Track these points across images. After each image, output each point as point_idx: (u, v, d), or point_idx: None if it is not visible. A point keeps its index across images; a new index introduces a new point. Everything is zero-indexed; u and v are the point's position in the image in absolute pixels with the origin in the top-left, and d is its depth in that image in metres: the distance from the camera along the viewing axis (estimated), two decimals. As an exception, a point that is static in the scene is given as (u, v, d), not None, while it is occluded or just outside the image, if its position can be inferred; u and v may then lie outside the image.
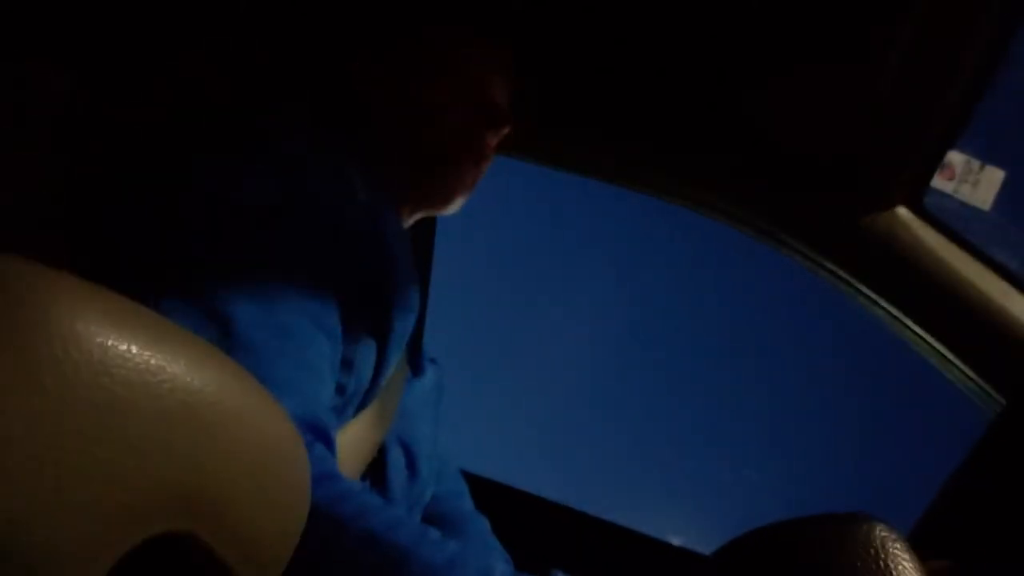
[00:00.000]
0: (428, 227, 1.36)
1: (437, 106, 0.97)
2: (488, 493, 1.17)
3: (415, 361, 1.07)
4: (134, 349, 0.32)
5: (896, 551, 0.55)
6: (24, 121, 0.82)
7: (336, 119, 0.97)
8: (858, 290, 1.18)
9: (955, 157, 1.10)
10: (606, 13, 1.10)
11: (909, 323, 1.15)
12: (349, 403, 0.85)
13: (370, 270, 0.84)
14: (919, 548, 0.55)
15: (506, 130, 0.99)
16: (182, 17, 0.97)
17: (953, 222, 1.13)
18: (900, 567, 0.52)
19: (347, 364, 0.82)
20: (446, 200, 1.00)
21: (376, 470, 0.93)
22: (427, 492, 1.01)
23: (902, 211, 1.13)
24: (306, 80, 1.02)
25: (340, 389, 0.82)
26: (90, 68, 0.89)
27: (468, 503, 1.10)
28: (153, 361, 0.32)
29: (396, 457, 0.95)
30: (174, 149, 0.86)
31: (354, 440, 0.87)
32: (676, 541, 1.35)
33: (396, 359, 0.91)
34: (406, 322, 0.90)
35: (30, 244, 0.76)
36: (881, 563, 0.56)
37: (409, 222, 1.02)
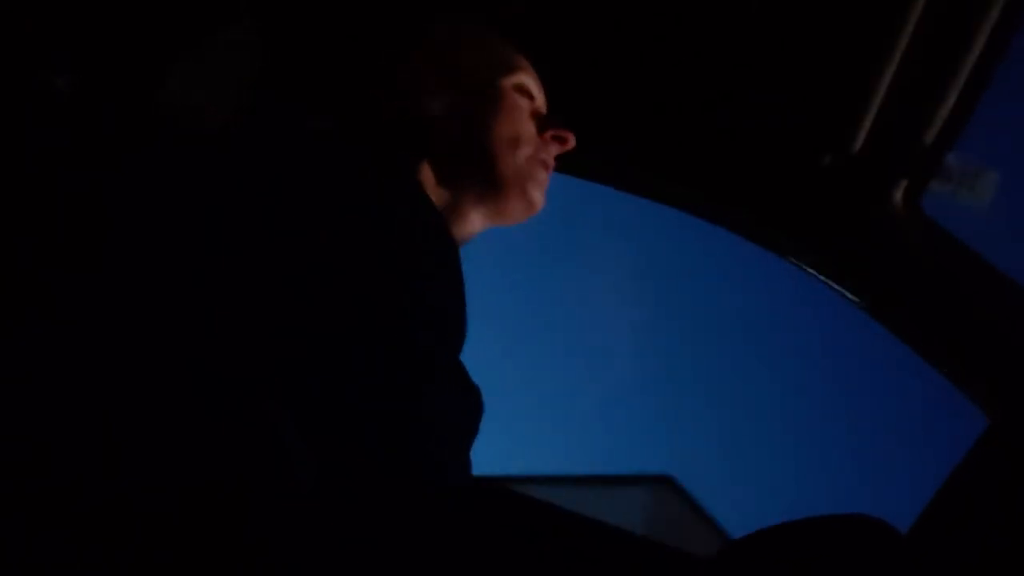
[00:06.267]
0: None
1: (506, 125, 0.95)
2: (485, 495, 1.16)
3: (459, 385, 1.05)
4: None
5: (895, 552, 0.55)
6: (24, 121, 0.82)
7: (387, 132, 0.95)
8: (858, 292, 1.18)
9: (952, 159, 1.10)
10: (607, 15, 1.11)
11: (908, 325, 1.14)
12: (387, 421, 0.84)
13: (421, 287, 0.83)
14: (917, 548, 0.55)
15: (572, 144, 0.97)
16: (194, 17, 0.96)
17: (951, 224, 1.13)
18: (899, 567, 0.53)
19: (383, 382, 0.81)
20: (516, 219, 0.99)
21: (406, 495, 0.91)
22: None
23: (900, 213, 1.13)
24: (354, 91, 0.99)
25: (376, 407, 0.81)
26: (93, 68, 0.89)
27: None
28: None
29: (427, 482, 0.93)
30: (195, 154, 0.85)
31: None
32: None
33: (441, 381, 0.89)
34: (458, 339, 0.88)
35: (32, 244, 0.76)
36: (880, 563, 0.56)
37: (471, 234, 0.98)
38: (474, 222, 0.97)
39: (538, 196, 0.96)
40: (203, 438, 0.59)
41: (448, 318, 0.87)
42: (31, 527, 0.54)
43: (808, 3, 1.01)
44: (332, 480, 0.67)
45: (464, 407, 0.99)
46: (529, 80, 0.98)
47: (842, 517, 0.70)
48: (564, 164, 1.29)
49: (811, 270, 1.19)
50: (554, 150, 0.97)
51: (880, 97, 1.04)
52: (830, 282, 1.19)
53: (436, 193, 0.91)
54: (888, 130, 1.07)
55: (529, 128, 0.96)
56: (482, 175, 0.93)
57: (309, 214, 0.77)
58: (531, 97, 0.98)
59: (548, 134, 0.97)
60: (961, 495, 0.71)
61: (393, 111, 0.95)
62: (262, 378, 0.67)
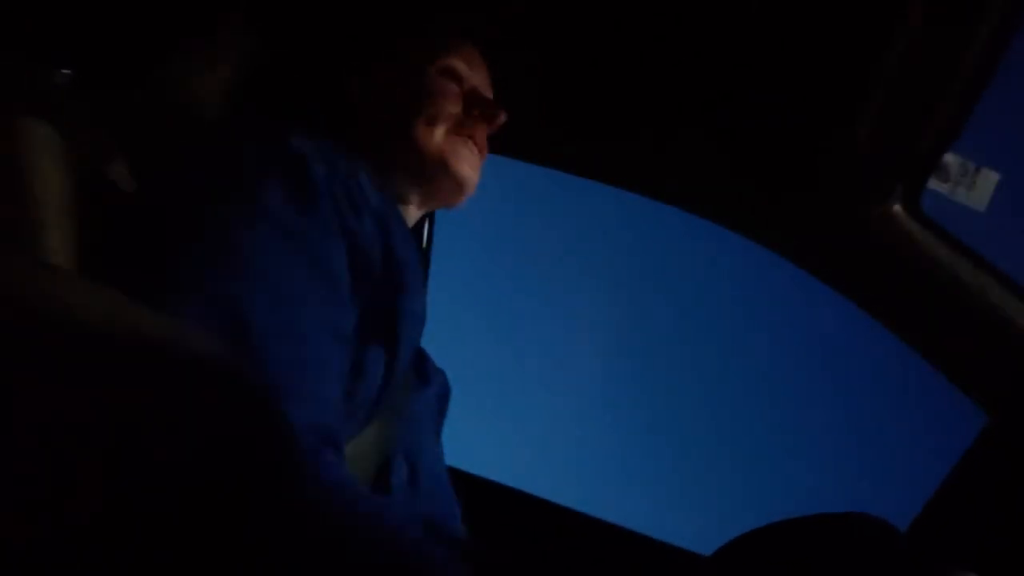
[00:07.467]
0: (426, 228, 1.36)
1: (426, 106, 0.97)
2: (485, 493, 1.16)
3: (422, 369, 1.06)
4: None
5: (895, 549, 0.55)
6: (23, 120, 0.82)
7: (334, 122, 0.97)
8: (856, 291, 1.18)
9: (952, 159, 1.10)
10: (604, 14, 1.11)
11: (906, 324, 1.15)
12: (358, 411, 0.85)
13: (381, 274, 0.84)
14: (917, 546, 0.55)
15: (501, 120, 1.00)
16: (181, 16, 0.97)
17: (949, 224, 1.13)
18: (899, 565, 0.53)
19: (357, 370, 0.81)
20: (448, 198, 1.01)
21: (380, 482, 0.92)
22: (425, 506, 0.99)
23: (899, 213, 1.13)
24: (303, 85, 1.02)
25: (349, 396, 0.81)
26: (89, 67, 0.89)
27: (460, 527, 1.08)
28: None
29: (400, 469, 0.94)
30: (177, 149, 0.86)
31: (361, 450, 0.86)
32: (676, 541, 1.34)
33: (404, 366, 0.90)
34: (415, 328, 0.89)
35: (34, 245, 0.76)
36: (880, 561, 0.56)
37: (413, 220, 1.02)
38: (411, 205, 0.99)
39: (466, 173, 0.97)
40: (203, 438, 0.59)
41: (418, 306, 0.88)
42: (31, 527, 0.54)
43: (808, 3, 1.01)
44: (333, 480, 0.67)
45: (438, 391, 1.03)
46: (459, 62, 1.00)
47: (842, 515, 0.70)
48: (566, 162, 1.30)
49: (811, 269, 1.20)
50: (481, 127, 0.99)
51: (880, 97, 1.04)
52: (830, 281, 1.19)
53: (377, 181, 0.91)
54: (888, 130, 1.06)
55: (451, 107, 0.97)
56: (404, 155, 0.96)
57: (300, 214, 0.78)
58: (459, 79, 0.99)
59: (475, 112, 0.98)
60: (960, 493, 0.71)
61: (334, 103, 0.98)
62: (262, 377, 0.67)
